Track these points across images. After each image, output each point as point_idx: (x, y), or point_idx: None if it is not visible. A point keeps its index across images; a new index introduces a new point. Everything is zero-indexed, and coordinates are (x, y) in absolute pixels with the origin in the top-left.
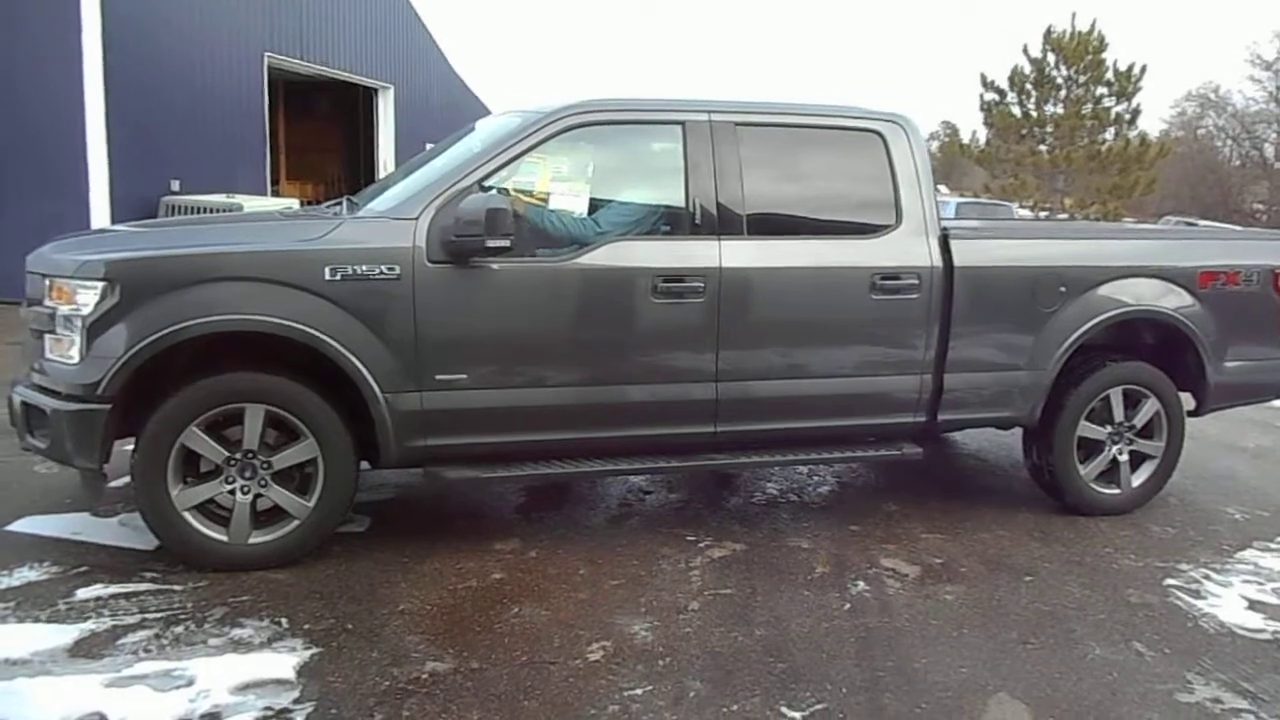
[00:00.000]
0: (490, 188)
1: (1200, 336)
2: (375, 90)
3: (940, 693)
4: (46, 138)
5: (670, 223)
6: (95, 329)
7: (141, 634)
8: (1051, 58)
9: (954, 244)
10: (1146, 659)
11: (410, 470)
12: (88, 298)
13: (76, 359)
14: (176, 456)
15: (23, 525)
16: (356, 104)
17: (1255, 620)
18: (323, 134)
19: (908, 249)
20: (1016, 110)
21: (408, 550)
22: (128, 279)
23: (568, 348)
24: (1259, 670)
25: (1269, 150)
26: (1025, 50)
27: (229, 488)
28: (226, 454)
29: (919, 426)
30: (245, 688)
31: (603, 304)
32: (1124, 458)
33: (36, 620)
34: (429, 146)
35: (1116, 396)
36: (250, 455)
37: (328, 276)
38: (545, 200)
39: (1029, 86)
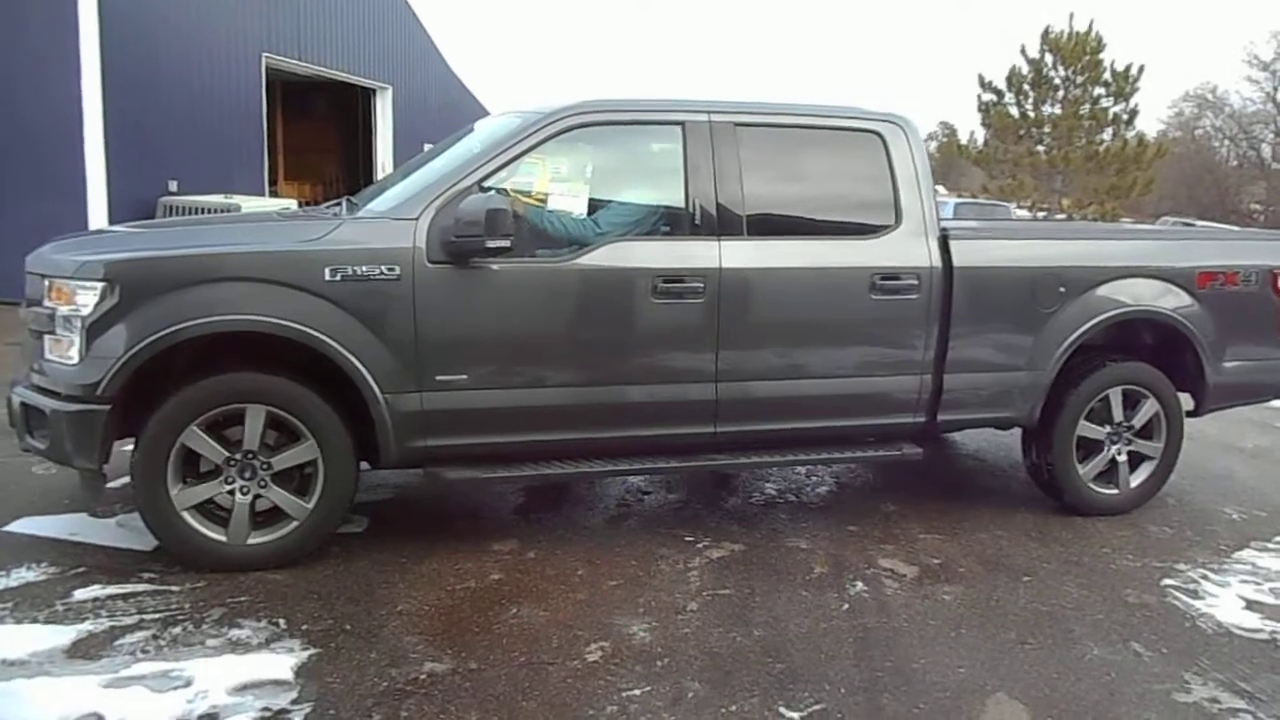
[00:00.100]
0: (490, 188)
1: (1199, 337)
2: (373, 90)
3: (938, 693)
4: (44, 138)
5: (670, 223)
6: (95, 329)
7: (139, 635)
8: (1049, 58)
9: (953, 244)
10: (1144, 659)
11: (409, 471)
12: (87, 298)
13: (76, 359)
14: (177, 456)
15: (20, 526)
16: (354, 104)
17: (1253, 620)
18: (320, 134)
19: (907, 249)
20: (1014, 111)
21: (406, 551)
22: (127, 279)
23: (568, 348)
24: (1256, 670)
25: (1266, 150)
26: (1023, 51)
27: (228, 488)
28: (227, 454)
29: (919, 427)
30: (243, 688)
31: (602, 304)
32: (1122, 458)
33: (34, 621)
34: (427, 147)
35: (1116, 396)
36: (250, 456)
37: (328, 277)
38: (545, 201)
39: (1027, 87)
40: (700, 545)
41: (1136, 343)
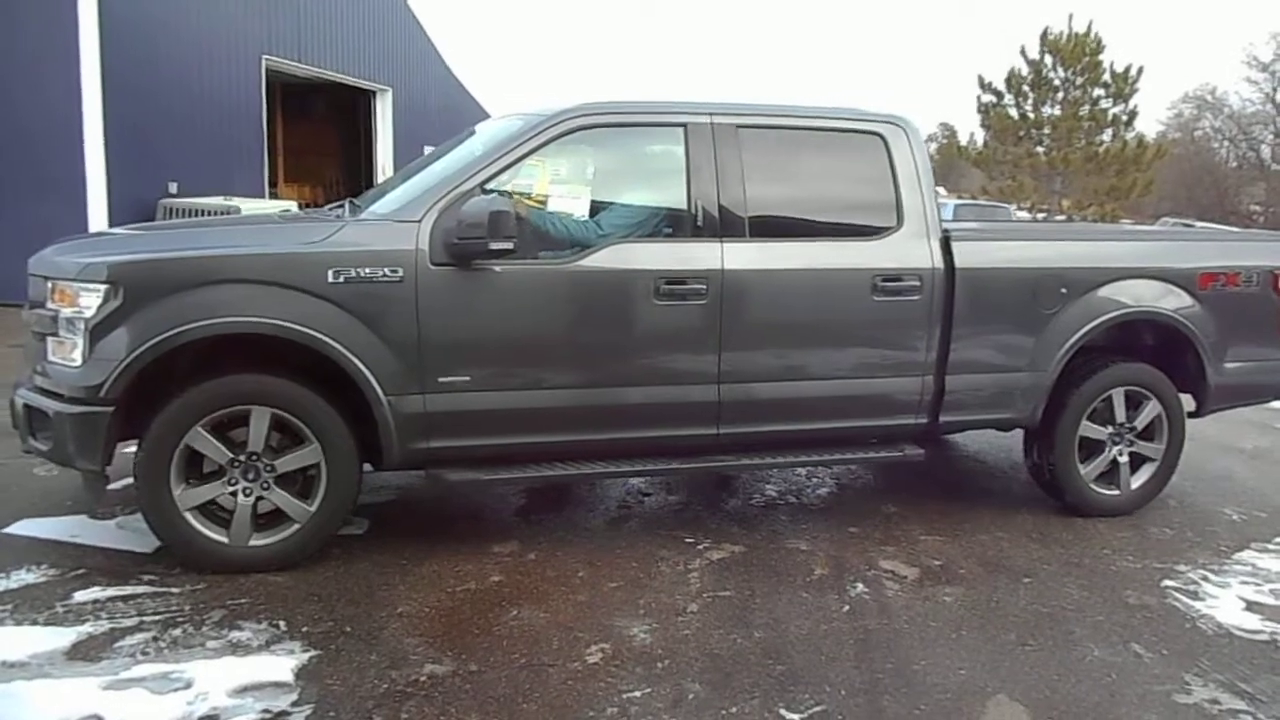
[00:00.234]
0: (492, 190)
1: (1200, 337)
2: (373, 93)
3: (939, 694)
4: (44, 140)
5: (672, 225)
6: (98, 331)
7: (139, 636)
8: (1049, 59)
9: (955, 245)
10: (1145, 660)
11: (409, 473)
12: (90, 300)
13: (79, 361)
14: (180, 456)
15: (21, 528)
16: (354, 106)
17: (1253, 621)
18: (320, 136)
19: (909, 251)
20: (1014, 112)
21: (406, 553)
22: (131, 281)
23: (570, 350)
24: (1256, 671)
25: (1266, 151)
26: (1023, 52)
27: (231, 489)
28: (230, 455)
29: (921, 428)
30: (243, 690)
31: (605, 306)
32: (1124, 459)
33: (34, 623)
34: (427, 149)
35: (1119, 397)
36: (254, 457)
37: (331, 279)
38: (547, 203)
39: (1026, 88)
40: (701, 547)
41: (1138, 344)
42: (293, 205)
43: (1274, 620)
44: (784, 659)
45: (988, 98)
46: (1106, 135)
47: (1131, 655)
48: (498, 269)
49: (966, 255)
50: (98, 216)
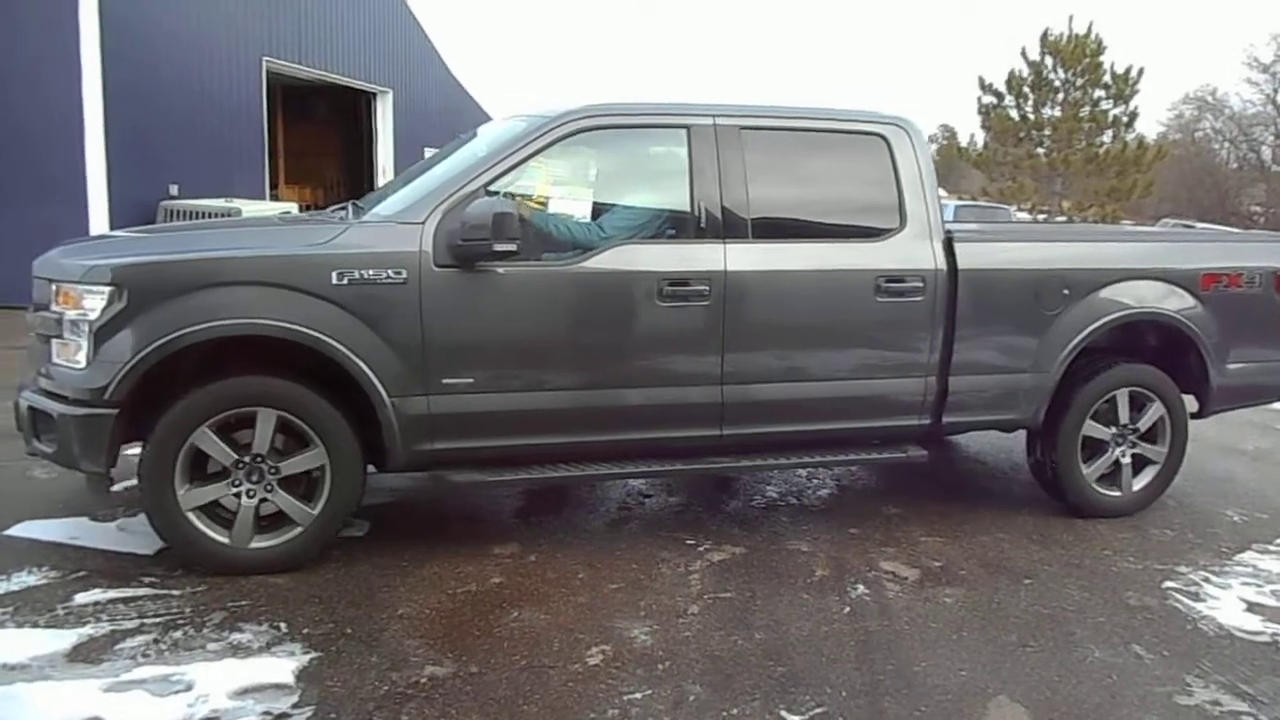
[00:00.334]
0: (495, 192)
1: (1203, 338)
2: (374, 94)
3: (940, 696)
4: (44, 142)
5: (675, 226)
6: (103, 334)
7: (140, 639)
8: (1049, 61)
9: (958, 247)
10: (1146, 661)
11: (409, 474)
12: (95, 302)
13: (83, 364)
14: (186, 456)
15: (21, 530)
16: (355, 108)
17: (1254, 622)
18: (321, 138)
19: (912, 252)
20: (1014, 113)
21: (407, 555)
22: (135, 284)
23: (574, 351)
24: (1258, 672)
25: (1266, 153)
26: (1023, 53)
27: (234, 491)
28: (235, 457)
29: (924, 429)
30: (244, 692)
31: (608, 307)
32: (1126, 460)
33: (35, 625)
34: (427, 151)
35: (1123, 398)
36: (259, 459)
37: (335, 281)
38: (550, 204)
39: (1027, 89)
40: (701, 548)
41: (1140, 345)
42: (293, 207)
43: (1275, 622)
44: (785, 660)
45: (988, 99)
46: (1107, 136)
47: (1132, 656)
48: (501, 271)
49: (969, 256)
50: (98, 218)
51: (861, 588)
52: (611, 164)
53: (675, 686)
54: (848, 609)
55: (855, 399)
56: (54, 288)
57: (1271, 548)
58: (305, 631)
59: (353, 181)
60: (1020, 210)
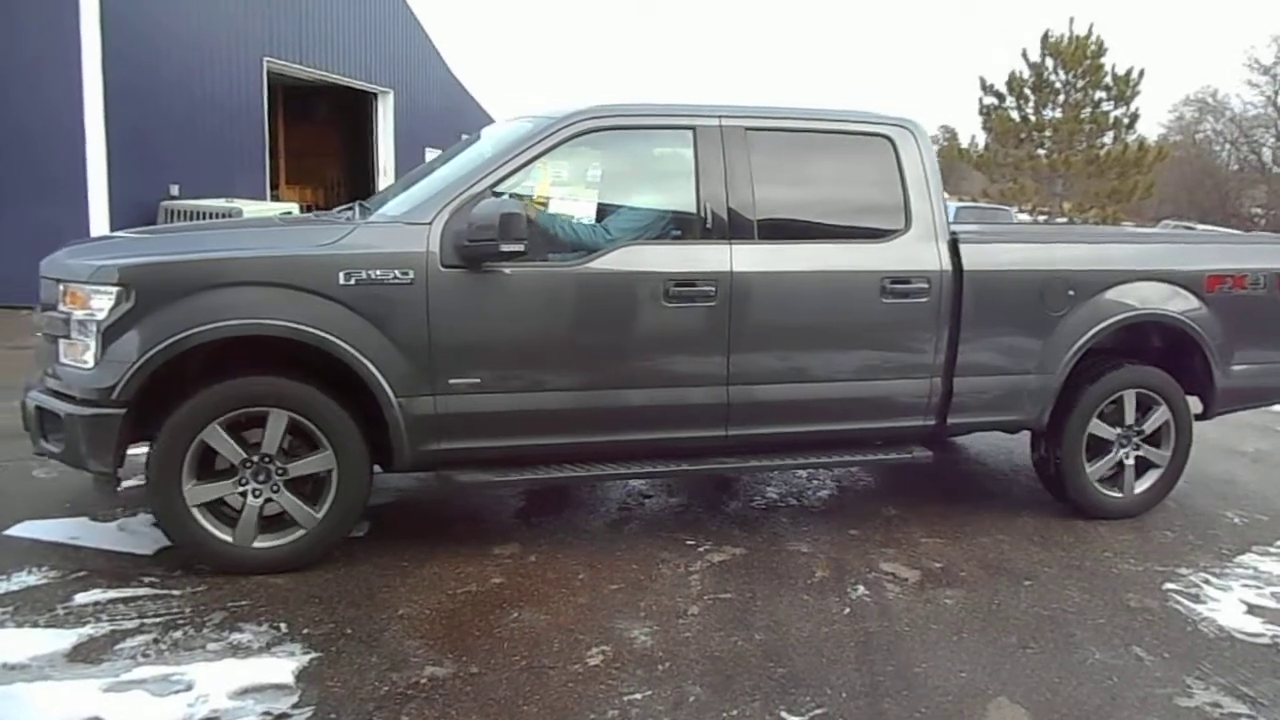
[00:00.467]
0: (502, 193)
1: (1207, 340)
2: (375, 95)
3: (940, 697)
4: (45, 142)
5: (681, 227)
6: (110, 334)
7: (140, 639)
8: (1050, 62)
9: (963, 248)
10: (1146, 663)
11: (410, 475)
12: (102, 303)
13: (91, 364)
14: (195, 452)
15: (21, 530)
16: (356, 108)
17: (1254, 624)
18: (322, 138)
19: (917, 253)
20: (1015, 115)
21: (407, 555)
22: (143, 284)
23: (580, 352)
24: (1258, 674)
25: (1267, 154)
26: (1024, 55)
27: (241, 489)
28: (244, 455)
29: (928, 430)
30: (244, 692)
31: (615, 308)
32: (1130, 461)
33: (35, 625)
34: (428, 151)
35: (1130, 398)
36: (266, 459)
37: (342, 281)
38: (557, 205)
39: (1027, 91)
40: (701, 549)
41: (1145, 346)
42: (294, 208)
43: (1275, 623)
44: (785, 661)
45: (989, 100)
46: (1108, 138)
47: (1133, 658)
48: (508, 271)
49: (974, 257)
50: (98, 218)
51: (862, 589)
52: (618, 165)
53: (675, 687)
54: (848, 610)
55: (860, 400)
56: (61, 288)
57: (1272, 550)
58: (305, 632)
59: (353, 182)
60: (1021, 211)
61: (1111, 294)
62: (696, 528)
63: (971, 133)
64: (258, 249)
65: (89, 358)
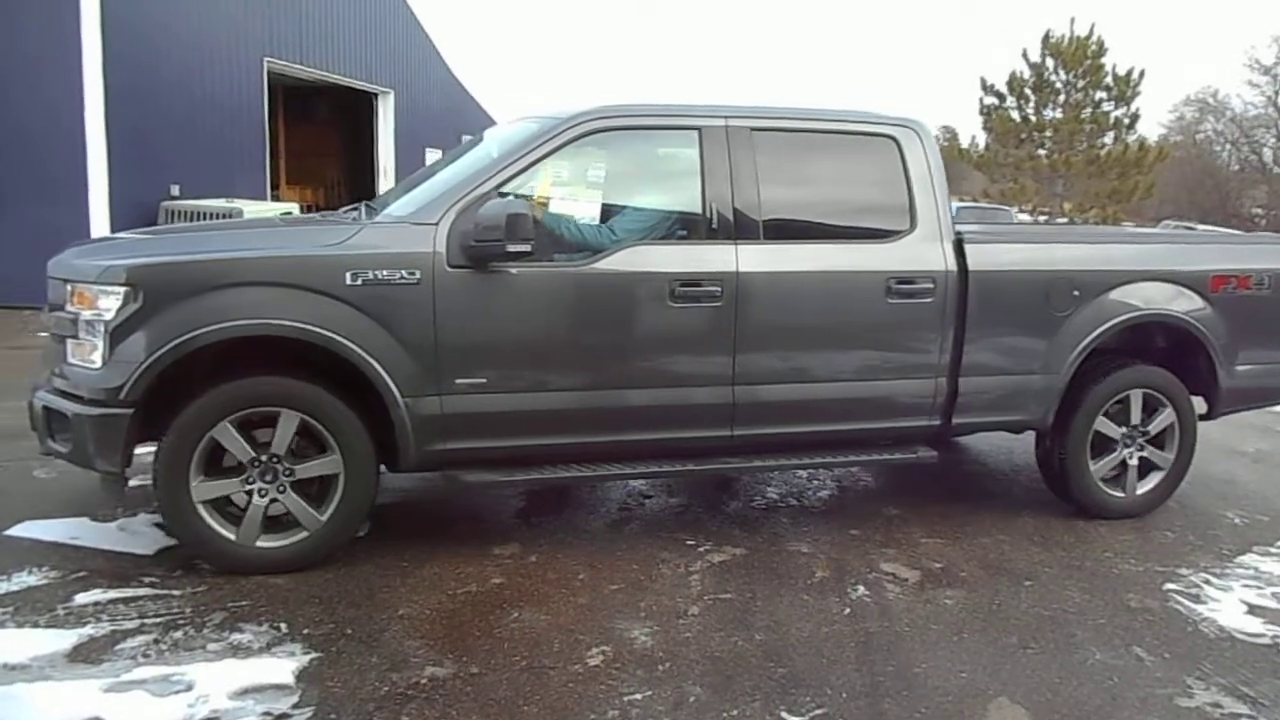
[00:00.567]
0: (508, 193)
1: (1212, 340)
2: (375, 95)
3: (940, 697)
4: (45, 142)
5: (687, 227)
6: (118, 334)
7: (140, 639)
8: (1050, 62)
9: (968, 248)
10: (1146, 664)
11: (410, 475)
12: (110, 303)
13: (99, 364)
14: (204, 449)
15: (21, 530)
16: (356, 109)
17: (1255, 625)
18: (322, 138)
19: (922, 253)
20: (1015, 115)
21: (407, 555)
22: (150, 284)
23: (586, 352)
24: (1259, 675)
25: (1268, 155)
26: (1025, 55)
27: (247, 488)
28: (252, 454)
29: (933, 430)
30: (244, 693)
31: (621, 308)
32: (1134, 461)
33: (35, 625)
34: (428, 151)
35: (1136, 398)
36: (275, 460)
37: (348, 281)
38: (562, 205)
39: (1028, 91)
40: (702, 549)
41: (1149, 346)
42: (294, 208)
43: (1276, 624)
44: (785, 661)
45: (989, 100)
46: (1108, 138)
47: (1133, 658)
48: (514, 271)
49: (979, 258)
50: (99, 219)
51: (862, 589)
52: (623, 165)
53: (675, 687)
54: (848, 610)
55: (865, 400)
56: (69, 288)
57: (1273, 550)
58: (305, 632)
59: (354, 182)
60: (1021, 212)
61: (1116, 294)
62: (697, 528)
63: (972, 133)
64: (265, 249)
65: (97, 358)
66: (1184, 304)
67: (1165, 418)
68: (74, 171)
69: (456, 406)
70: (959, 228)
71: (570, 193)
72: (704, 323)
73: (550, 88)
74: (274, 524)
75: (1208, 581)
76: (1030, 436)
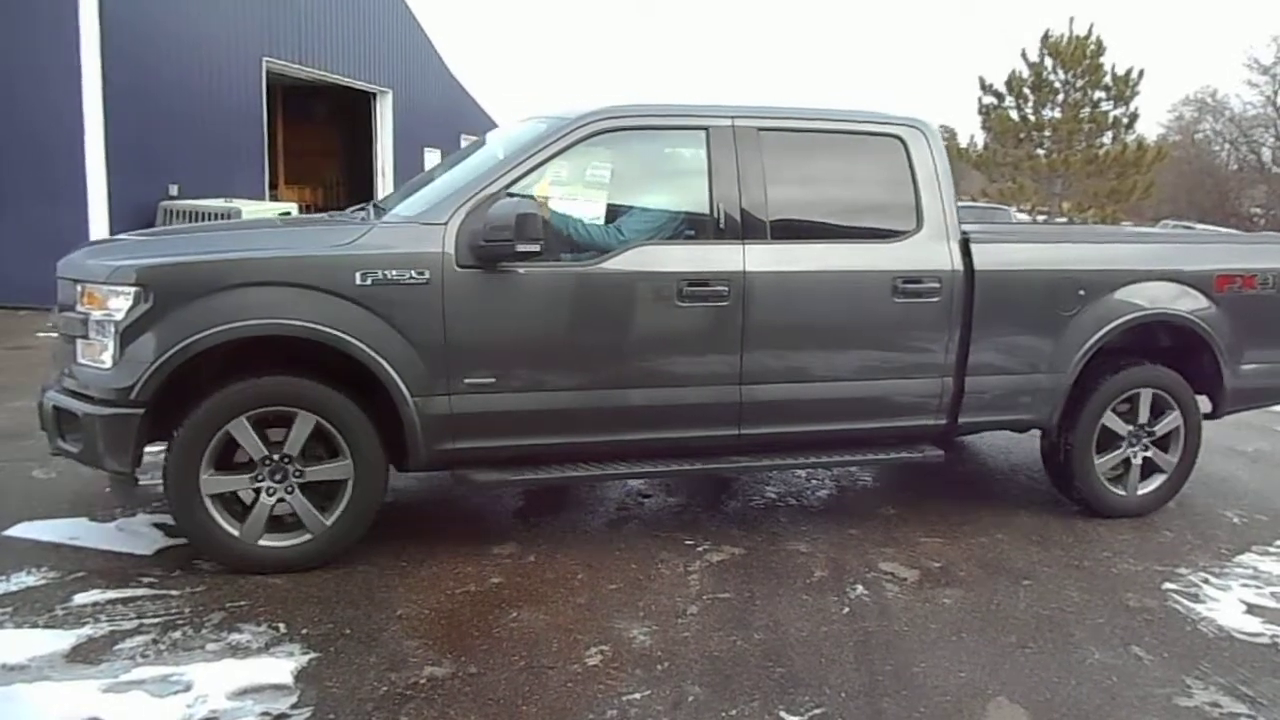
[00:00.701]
0: (517, 193)
1: (1216, 340)
2: (374, 95)
3: (939, 697)
4: (45, 143)
5: (694, 227)
6: (128, 334)
7: (139, 639)
8: (1049, 62)
9: (974, 248)
10: (1145, 663)
11: (410, 475)
12: (120, 303)
13: (109, 364)
14: (218, 443)
15: (20, 530)
16: (355, 108)
17: (1254, 624)
18: (321, 138)
19: (929, 253)
20: (1014, 114)
21: (406, 555)
22: (161, 284)
23: (593, 351)
24: (1257, 674)
25: (1266, 154)
26: (1024, 54)
27: (255, 486)
28: (265, 452)
29: (939, 429)
30: (243, 693)
31: (628, 308)
32: (1137, 461)
33: (34, 625)
34: (427, 151)
35: (1145, 397)
36: (286, 460)
37: (358, 281)
38: (570, 205)
39: (1027, 90)
40: (700, 549)
41: (1154, 346)
42: (293, 208)
43: (1275, 623)
44: (784, 661)
45: (988, 100)
46: (1107, 138)
47: (1132, 658)
48: (523, 271)
49: (986, 257)
50: (98, 219)
51: (860, 588)
52: (631, 165)
53: (674, 687)
54: (847, 610)
55: (872, 399)
56: (79, 288)
57: (1271, 550)
58: (304, 632)
59: (353, 182)
60: (1020, 211)
61: (1121, 294)
62: (695, 527)
63: (971, 132)
64: (275, 249)
65: (107, 358)
66: (1189, 303)
67: (1171, 420)
68: (73, 171)
69: (465, 406)
70: (964, 227)
71: (578, 193)
72: (712, 322)
73: (550, 88)
74: (278, 524)
75: (1206, 581)
76: (1030, 437)
